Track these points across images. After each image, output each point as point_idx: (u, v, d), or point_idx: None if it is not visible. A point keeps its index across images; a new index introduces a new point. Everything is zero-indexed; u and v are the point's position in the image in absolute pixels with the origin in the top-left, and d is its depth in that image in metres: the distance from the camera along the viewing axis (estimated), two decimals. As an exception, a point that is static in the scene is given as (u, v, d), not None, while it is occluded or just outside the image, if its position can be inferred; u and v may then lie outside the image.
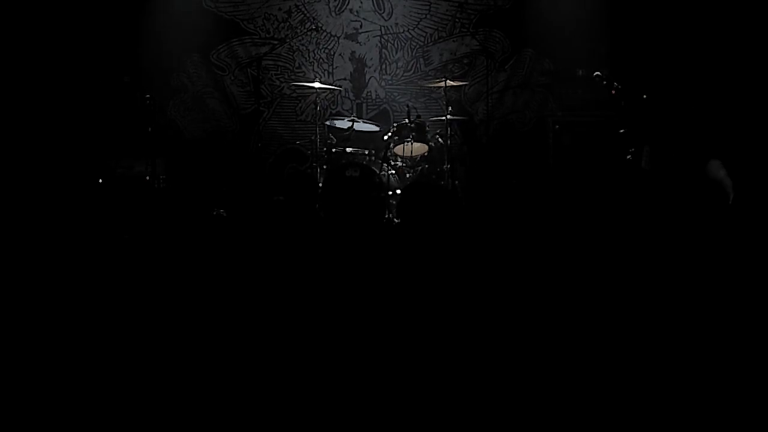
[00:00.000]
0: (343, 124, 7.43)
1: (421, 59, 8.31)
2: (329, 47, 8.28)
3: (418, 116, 7.27)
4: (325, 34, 8.21)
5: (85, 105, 7.67)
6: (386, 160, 7.08)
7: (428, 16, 8.29)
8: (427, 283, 4.59)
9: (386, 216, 6.75)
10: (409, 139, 7.04)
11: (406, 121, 7.09)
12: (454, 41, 8.28)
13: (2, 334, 3.74)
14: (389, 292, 4.41)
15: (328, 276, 4.80)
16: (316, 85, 7.40)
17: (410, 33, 8.30)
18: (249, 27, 8.22)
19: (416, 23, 8.29)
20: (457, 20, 8.27)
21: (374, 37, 8.29)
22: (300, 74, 8.21)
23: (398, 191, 6.98)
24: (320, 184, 6.96)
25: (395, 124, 7.28)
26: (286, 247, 5.60)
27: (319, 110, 7.46)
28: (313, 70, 8.22)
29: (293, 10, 8.23)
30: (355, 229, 6.46)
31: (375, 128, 7.52)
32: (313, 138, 7.40)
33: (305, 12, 8.24)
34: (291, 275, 4.79)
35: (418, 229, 6.33)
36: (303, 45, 8.27)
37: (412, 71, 8.31)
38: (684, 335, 3.68)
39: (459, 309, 4.13)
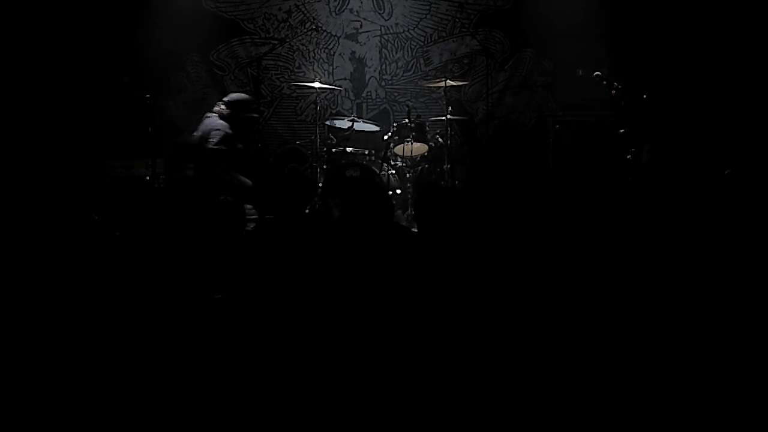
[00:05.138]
0: (343, 124, 7.43)
1: (421, 59, 8.31)
2: (329, 47, 8.28)
3: (418, 116, 7.27)
4: (325, 34, 8.21)
5: (84, 105, 7.66)
6: (386, 160, 7.08)
7: (428, 16, 8.29)
8: (428, 283, 4.58)
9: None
10: (409, 139, 7.04)
11: (406, 121, 7.10)
12: (454, 41, 8.28)
13: (2, 335, 3.74)
14: (389, 292, 4.41)
15: (328, 275, 4.79)
16: (316, 85, 7.40)
17: (410, 33, 8.30)
18: (249, 27, 8.22)
19: (416, 23, 8.29)
20: (457, 20, 8.27)
21: (374, 37, 8.30)
22: (300, 74, 8.21)
23: (398, 191, 6.98)
24: (320, 184, 6.96)
25: (395, 124, 7.28)
26: (287, 246, 5.59)
27: (319, 110, 7.46)
28: (313, 70, 8.22)
29: (293, 10, 8.23)
30: (357, 229, 6.45)
31: (375, 128, 7.52)
32: (313, 138, 7.40)
33: (305, 12, 8.24)
34: (291, 274, 4.79)
35: (427, 231, 6.31)
36: (303, 45, 8.27)
37: (412, 71, 8.31)
38: (685, 335, 3.68)
39: (459, 308, 4.13)
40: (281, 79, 8.26)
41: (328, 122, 7.54)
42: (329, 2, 8.23)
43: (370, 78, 8.33)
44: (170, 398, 3.04)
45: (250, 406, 2.99)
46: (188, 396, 3.06)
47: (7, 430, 2.84)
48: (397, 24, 8.29)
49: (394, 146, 7.12)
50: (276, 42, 8.14)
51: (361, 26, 8.28)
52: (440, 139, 7.22)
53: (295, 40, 8.25)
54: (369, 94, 8.34)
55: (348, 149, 7.14)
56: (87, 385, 3.15)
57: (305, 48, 8.27)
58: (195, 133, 6.86)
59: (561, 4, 8.05)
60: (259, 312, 4.11)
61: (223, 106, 6.84)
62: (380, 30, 8.29)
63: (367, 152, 7.17)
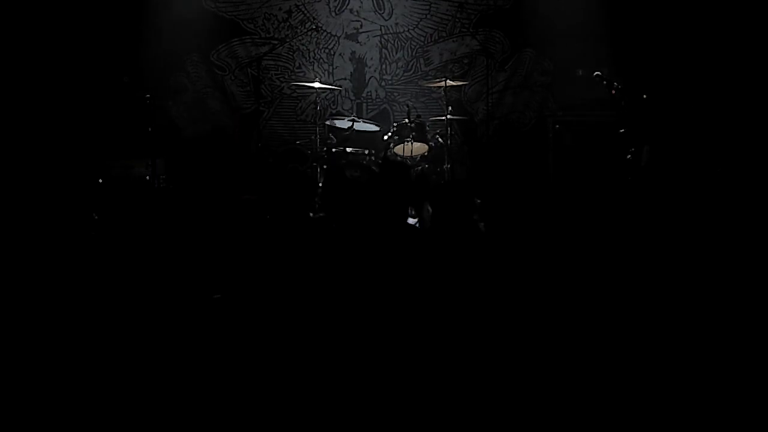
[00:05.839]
0: (343, 124, 7.43)
1: (421, 59, 8.31)
2: (329, 47, 8.28)
3: (418, 116, 7.28)
4: (325, 34, 8.21)
5: (85, 105, 7.67)
6: (386, 159, 7.08)
7: (428, 16, 8.29)
8: (428, 283, 4.58)
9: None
10: (409, 139, 7.04)
11: (406, 121, 7.10)
12: (454, 41, 8.28)
13: (3, 335, 3.74)
14: (388, 292, 4.41)
15: (328, 275, 4.79)
16: (316, 85, 7.40)
17: (410, 33, 8.30)
18: (249, 27, 8.22)
19: (416, 23, 8.29)
20: (457, 20, 8.27)
21: (374, 37, 8.30)
22: (300, 74, 8.21)
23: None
24: (320, 184, 6.96)
25: (395, 124, 7.28)
26: (286, 246, 5.59)
27: (319, 110, 7.46)
28: (313, 70, 8.22)
29: (293, 10, 8.23)
30: (356, 230, 6.44)
31: (375, 128, 7.52)
32: (313, 138, 7.40)
33: (305, 12, 8.24)
34: (291, 274, 4.79)
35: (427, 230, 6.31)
36: (303, 45, 8.27)
37: (412, 71, 8.31)
38: (685, 335, 3.68)
39: (459, 309, 4.13)
40: (281, 79, 8.26)
41: (328, 122, 7.54)
42: (329, 2, 8.22)
43: (370, 78, 8.33)
44: (170, 397, 3.05)
45: (250, 406, 2.99)
46: (188, 395, 3.06)
47: (7, 430, 2.84)
48: (397, 24, 8.29)
49: (394, 146, 7.12)
50: (276, 42, 8.14)
51: (361, 26, 8.28)
52: (440, 139, 7.22)
53: (295, 40, 8.25)
54: (369, 94, 8.34)
55: (348, 149, 7.14)
56: (87, 384, 3.15)
57: (305, 48, 8.27)
58: None
59: (561, 4, 8.05)
60: (258, 312, 4.12)
61: None
62: (380, 30, 8.29)
63: (367, 152, 7.17)
